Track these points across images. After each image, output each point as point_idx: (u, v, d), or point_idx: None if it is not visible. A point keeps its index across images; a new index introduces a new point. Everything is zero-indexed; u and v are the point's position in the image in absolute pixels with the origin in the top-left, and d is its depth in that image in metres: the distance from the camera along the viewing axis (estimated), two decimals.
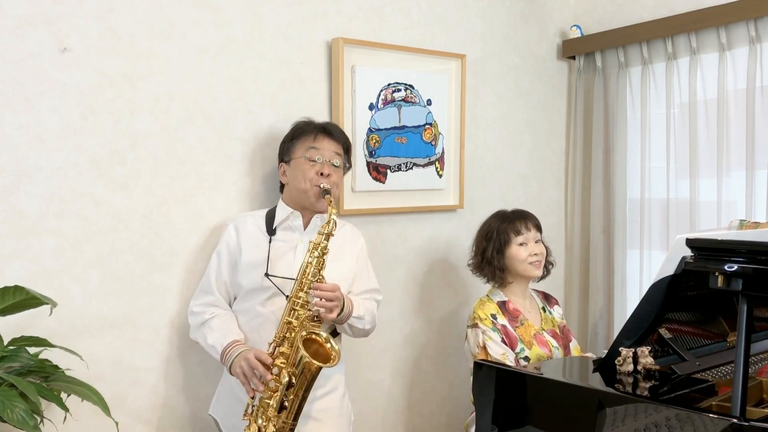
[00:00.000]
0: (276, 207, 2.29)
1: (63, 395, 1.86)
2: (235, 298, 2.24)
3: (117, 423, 1.94)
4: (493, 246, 2.54)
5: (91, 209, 2.18)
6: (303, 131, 2.26)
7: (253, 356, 1.99)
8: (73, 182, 2.15)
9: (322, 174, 2.18)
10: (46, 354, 1.95)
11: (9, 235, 2.05)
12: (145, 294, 2.29)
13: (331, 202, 2.09)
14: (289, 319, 2.01)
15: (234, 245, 2.22)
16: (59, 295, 2.09)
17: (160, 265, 2.32)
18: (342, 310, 2.07)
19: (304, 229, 2.23)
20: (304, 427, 2.12)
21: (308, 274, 2.02)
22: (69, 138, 2.13)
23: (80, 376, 1.99)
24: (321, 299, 2.00)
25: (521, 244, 2.52)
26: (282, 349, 1.99)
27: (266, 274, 2.11)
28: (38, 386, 1.78)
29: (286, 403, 1.96)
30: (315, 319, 2.03)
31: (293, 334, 1.99)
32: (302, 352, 1.92)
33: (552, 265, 2.66)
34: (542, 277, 2.64)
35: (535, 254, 2.53)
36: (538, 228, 2.59)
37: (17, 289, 1.82)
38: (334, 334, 2.21)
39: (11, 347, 1.88)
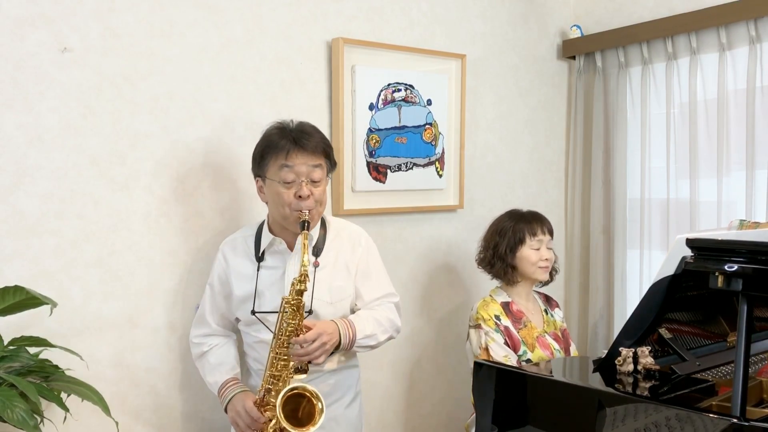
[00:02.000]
0: (262, 226, 2.16)
1: (63, 395, 1.86)
2: (238, 320, 2.19)
3: (117, 423, 1.94)
4: (507, 243, 2.51)
5: (91, 209, 2.18)
6: (273, 147, 2.01)
7: (243, 410, 1.97)
8: (73, 182, 2.15)
9: (300, 197, 1.98)
10: (46, 354, 1.95)
11: (9, 235, 2.05)
12: (145, 294, 2.29)
13: (306, 236, 1.94)
14: (272, 372, 1.93)
15: (224, 277, 2.14)
16: (59, 295, 2.09)
17: (160, 265, 2.32)
18: (339, 344, 1.97)
19: (291, 250, 2.10)
20: None
21: (285, 332, 1.91)
22: (69, 138, 2.13)
23: (80, 376, 1.99)
24: (302, 355, 1.90)
25: (535, 248, 2.51)
26: (270, 397, 1.94)
27: (252, 312, 2.05)
28: (38, 386, 1.78)
29: None
30: (300, 369, 1.93)
31: (278, 388, 1.92)
32: (282, 420, 1.84)
33: (556, 271, 2.64)
34: (546, 283, 2.64)
35: (545, 259, 2.52)
36: (551, 233, 2.58)
37: (17, 289, 1.82)
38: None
39: (11, 347, 1.88)
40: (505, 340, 2.41)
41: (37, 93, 2.08)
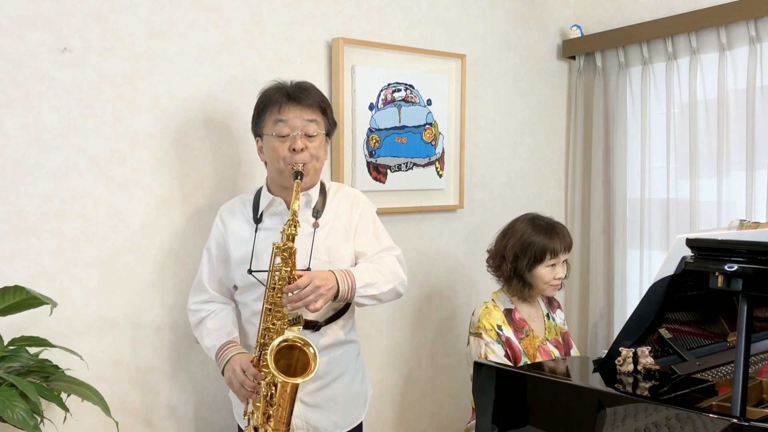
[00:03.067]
0: (261, 189, 2.15)
1: (63, 395, 1.86)
2: (236, 288, 2.17)
3: (117, 423, 1.94)
4: (528, 261, 2.41)
5: (91, 209, 2.18)
6: (269, 101, 2.02)
7: (239, 368, 1.94)
8: (73, 182, 2.15)
9: (294, 150, 1.97)
10: (46, 354, 1.95)
11: (9, 235, 2.05)
12: (145, 294, 2.29)
13: (299, 185, 1.93)
14: (266, 325, 1.91)
15: (221, 240, 2.13)
16: (59, 295, 2.09)
17: (160, 265, 2.32)
18: (338, 293, 1.93)
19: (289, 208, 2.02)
20: (311, 416, 2.07)
21: (278, 280, 1.89)
22: (69, 138, 2.13)
23: (80, 376, 1.99)
24: (294, 301, 1.86)
25: (551, 266, 2.43)
26: (265, 353, 1.88)
27: (249, 271, 2.02)
28: (38, 386, 1.78)
29: (272, 412, 1.87)
30: (295, 321, 1.91)
31: (270, 343, 1.87)
32: (273, 371, 1.80)
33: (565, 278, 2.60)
34: None
35: (558, 278, 2.45)
36: (570, 248, 2.50)
37: (17, 289, 1.82)
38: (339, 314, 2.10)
39: (11, 347, 1.88)
40: (506, 351, 2.36)
41: (37, 93, 2.08)
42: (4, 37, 2.02)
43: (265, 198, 2.10)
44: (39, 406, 1.80)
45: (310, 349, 1.85)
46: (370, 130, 2.72)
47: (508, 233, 2.51)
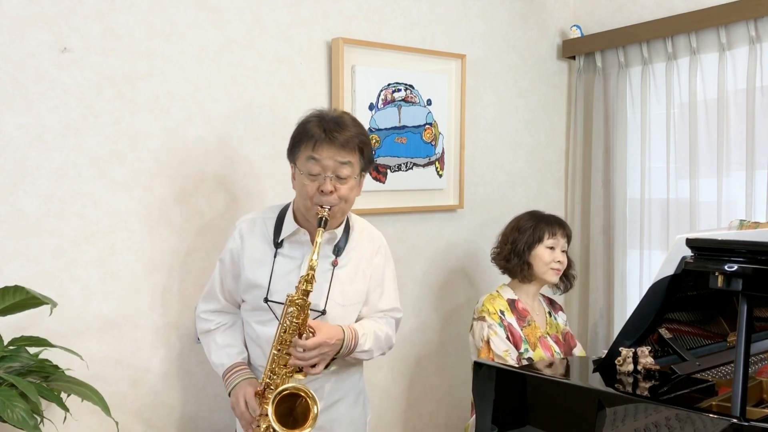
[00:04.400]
0: (287, 211, 2.08)
1: (63, 395, 1.86)
2: (243, 301, 2.13)
3: (117, 423, 1.94)
4: (526, 240, 2.53)
5: (91, 209, 2.18)
6: (304, 135, 1.94)
7: (243, 400, 1.94)
8: (73, 182, 2.15)
9: (323, 192, 1.90)
10: (46, 354, 1.95)
11: (9, 235, 2.05)
12: (145, 294, 2.29)
13: (320, 233, 1.88)
14: (272, 368, 1.90)
15: (237, 257, 2.05)
16: (59, 295, 2.09)
17: (160, 265, 2.32)
18: (339, 350, 1.94)
19: (312, 244, 2.00)
20: None
21: (288, 330, 1.87)
22: (69, 138, 2.13)
23: (80, 376, 1.99)
24: (299, 359, 1.87)
25: (550, 248, 2.52)
26: (269, 392, 1.90)
27: (265, 300, 1.98)
28: (38, 386, 1.78)
29: None
30: (299, 369, 1.90)
31: (276, 384, 1.89)
32: (272, 422, 1.81)
33: (574, 278, 2.67)
34: (564, 291, 2.67)
35: (558, 261, 2.53)
36: (569, 239, 2.60)
37: (17, 289, 1.82)
38: None
39: (11, 347, 1.88)
40: (508, 335, 2.42)
41: (37, 93, 2.08)
42: (4, 37, 2.02)
43: (289, 225, 2.03)
44: (39, 406, 1.80)
45: (315, 408, 1.85)
46: (370, 130, 2.72)
47: (509, 225, 2.65)
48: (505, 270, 2.61)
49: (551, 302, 2.70)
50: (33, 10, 2.06)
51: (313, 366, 1.90)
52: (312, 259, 1.86)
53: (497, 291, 2.57)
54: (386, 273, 2.15)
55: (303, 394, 1.86)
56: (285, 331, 1.89)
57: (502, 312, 2.47)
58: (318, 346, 1.88)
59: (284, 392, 1.85)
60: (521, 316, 2.51)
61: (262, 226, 2.07)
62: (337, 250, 2.04)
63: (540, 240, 2.52)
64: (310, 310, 1.91)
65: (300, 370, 1.91)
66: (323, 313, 1.98)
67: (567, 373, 2.23)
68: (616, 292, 3.30)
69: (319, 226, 1.89)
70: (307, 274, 1.86)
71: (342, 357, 1.99)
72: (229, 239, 2.10)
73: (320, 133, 1.91)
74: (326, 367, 1.97)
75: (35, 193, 2.09)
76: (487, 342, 2.41)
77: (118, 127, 2.22)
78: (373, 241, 2.14)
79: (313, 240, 1.98)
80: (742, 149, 2.84)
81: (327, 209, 1.90)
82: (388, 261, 2.17)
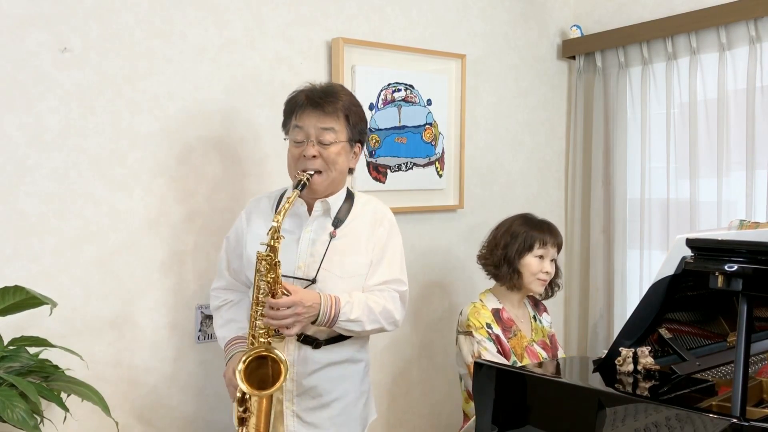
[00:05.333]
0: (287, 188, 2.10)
1: (63, 395, 1.86)
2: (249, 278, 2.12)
3: (117, 423, 1.94)
4: (517, 248, 2.46)
5: (91, 209, 2.18)
6: (291, 104, 2.00)
7: (231, 370, 1.96)
8: (73, 182, 2.15)
9: (305, 156, 1.92)
10: (46, 354, 1.96)
11: (9, 235, 2.05)
12: (144, 294, 2.29)
13: (296, 195, 1.87)
14: (252, 332, 1.89)
15: (240, 236, 2.09)
16: (59, 295, 2.09)
17: (159, 265, 2.32)
18: (317, 317, 1.88)
19: (309, 215, 2.02)
20: None
21: (262, 292, 1.85)
22: (69, 138, 2.14)
23: (80, 376, 1.99)
24: (272, 318, 1.84)
25: (539, 257, 2.46)
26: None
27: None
28: (38, 386, 1.78)
29: (251, 421, 1.89)
30: (278, 332, 1.88)
31: (255, 349, 1.86)
32: (241, 385, 1.80)
33: (558, 287, 2.61)
34: (544, 297, 2.61)
35: (546, 272, 2.47)
36: (560, 248, 2.54)
37: (17, 289, 1.82)
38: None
39: (11, 347, 1.88)
40: (498, 348, 2.39)
41: (37, 93, 2.08)
42: (4, 37, 2.02)
43: (285, 198, 2.01)
44: (39, 406, 1.80)
45: (283, 367, 1.81)
46: (370, 130, 2.72)
47: (499, 227, 2.57)
48: (494, 276, 2.54)
49: (536, 303, 2.64)
50: (33, 10, 2.06)
51: (288, 328, 1.85)
52: (279, 219, 1.83)
53: (480, 300, 2.50)
54: (389, 245, 2.08)
55: (270, 355, 1.83)
56: (260, 293, 1.86)
57: (488, 325, 2.41)
58: (291, 305, 1.83)
59: (254, 354, 1.83)
60: (506, 327, 2.45)
61: (266, 203, 2.11)
62: (337, 222, 2.02)
63: (530, 248, 2.45)
64: (300, 278, 1.91)
65: (277, 332, 1.88)
66: (313, 281, 1.95)
67: (567, 373, 2.23)
68: (616, 292, 3.30)
69: (296, 187, 1.89)
70: (271, 228, 1.83)
71: (323, 324, 1.91)
72: (237, 219, 2.15)
73: (304, 100, 1.96)
74: (312, 323, 1.90)
75: (35, 193, 2.09)
76: (479, 357, 2.38)
77: (118, 127, 2.22)
78: (377, 213, 2.09)
79: (310, 211, 2.00)
80: (742, 149, 2.85)
81: (307, 174, 1.91)
82: (392, 234, 2.10)
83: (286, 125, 2.04)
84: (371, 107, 2.72)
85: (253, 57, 2.48)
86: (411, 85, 2.83)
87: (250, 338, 1.91)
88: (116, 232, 2.23)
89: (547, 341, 2.57)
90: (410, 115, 2.84)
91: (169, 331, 2.35)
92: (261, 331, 1.87)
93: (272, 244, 1.83)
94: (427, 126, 2.90)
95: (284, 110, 2.04)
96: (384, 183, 2.79)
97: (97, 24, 2.17)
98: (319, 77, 2.64)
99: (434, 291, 3.06)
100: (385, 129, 2.77)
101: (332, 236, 2.00)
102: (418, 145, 2.88)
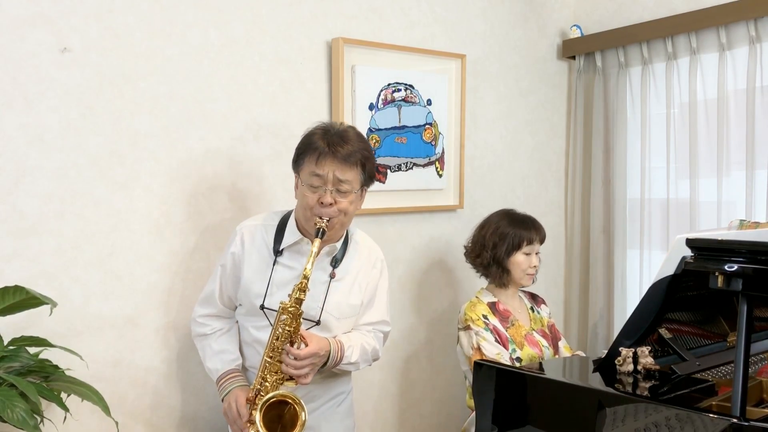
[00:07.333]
0: (288, 219, 2.09)
1: (63, 395, 1.86)
2: (240, 305, 2.15)
3: (117, 423, 1.94)
4: (506, 248, 2.53)
5: (91, 209, 2.18)
6: (309, 147, 1.97)
7: (235, 406, 1.96)
8: (73, 182, 2.15)
9: (322, 203, 1.94)
10: (46, 354, 1.95)
11: (9, 235, 2.05)
12: (145, 294, 2.29)
13: (318, 244, 1.91)
14: (263, 375, 1.92)
15: (238, 260, 2.07)
16: (59, 295, 2.09)
17: (160, 265, 2.32)
18: (326, 363, 1.97)
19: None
20: None
21: (281, 338, 1.90)
22: (69, 138, 2.13)
23: (80, 376, 1.99)
24: (289, 368, 1.89)
25: (527, 254, 2.54)
26: (259, 399, 1.91)
27: (261, 307, 2.01)
28: (38, 386, 1.78)
29: None
30: (290, 378, 1.93)
31: (266, 391, 1.91)
32: (260, 428, 1.86)
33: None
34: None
35: (534, 266, 2.56)
36: (543, 240, 2.61)
37: (17, 289, 1.82)
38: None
39: (11, 347, 1.88)
40: (496, 338, 2.44)
41: (37, 93, 2.08)
42: (4, 37, 2.02)
43: (292, 235, 2.05)
44: (39, 406, 1.80)
45: (303, 414, 1.87)
46: (370, 130, 2.72)
47: (485, 226, 2.63)
48: (484, 274, 2.62)
49: (533, 297, 2.72)
50: (33, 10, 2.06)
51: (305, 376, 1.92)
52: (306, 269, 1.87)
53: (477, 297, 2.58)
54: (379, 286, 2.17)
55: (291, 401, 1.89)
56: (277, 339, 1.91)
57: (485, 316, 2.48)
58: (310, 356, 1.90)
59: (272, 399, 1.88)
60: (503, 317, 2.52)
61: (263, 234, 2.09)
62: (335, 262, 2.07)
63: (518, 247, 2.53)
64: (305, 319, 1.94)
65: (291, 378, 1.92)
66: (317, 323, 2.01)
67: (567, 373, 2.23)
68: (616, 292, 3.30)
69: (317, 236, 1.92)
70: (301, 283, 1.88)
71: (328, 369, 2.01)
72: (230, 244, 2.12)
73: (324, 146, 1.94)
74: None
75: (35, 193, 2.09)
76: (478, 349, 2.41)
77: (118, 127, 2.22)
78: (371, 255, 2.16)
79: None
80: (742, 149, 2.85)
81: (325, 221, 1.93)
82: (383, 275, 2.19)
83: (299, 164, 2.01)
84: (371, 107, 2.72)
85: (253, 57, 2.48)
86: (411, 85, 2.83)
87: (260, 380, 1.93)
88: (116, 232, 2.23)
89: (547, 330, 2.62)
90: (410, 115, 2.84)
91: (169, 331, 2.35)
92: (275, 376, 1.92)
93: (299, 296, 1.88)
94: (427, 126, 2.90)
95: (299, 151, 2.01)
96: (384, 183, 2.79)
97: (97, 24, 2.17)
98: (319, 77, 2.64)
99: (434, 291, 3.06)
100: (385, 129, 2.77)
101: (332, 277, 2.05)
102: (418, 145, 2.88)
